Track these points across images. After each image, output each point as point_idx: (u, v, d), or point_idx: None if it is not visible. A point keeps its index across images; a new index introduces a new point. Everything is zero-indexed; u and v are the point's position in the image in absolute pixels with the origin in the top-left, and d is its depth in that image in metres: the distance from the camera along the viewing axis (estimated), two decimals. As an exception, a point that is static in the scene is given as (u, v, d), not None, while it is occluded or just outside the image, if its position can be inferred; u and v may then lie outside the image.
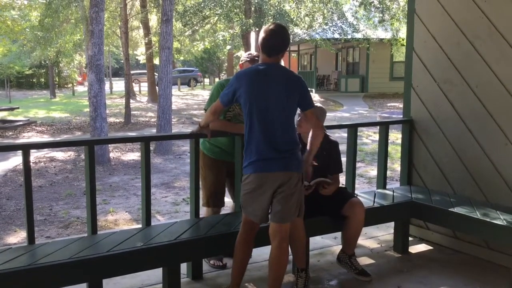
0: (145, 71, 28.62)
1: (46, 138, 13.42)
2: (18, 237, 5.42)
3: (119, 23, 22.00)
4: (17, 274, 2.64)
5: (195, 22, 23.21)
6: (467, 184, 4.06)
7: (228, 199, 4.05)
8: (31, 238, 3.12)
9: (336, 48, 25.37)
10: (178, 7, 21.73)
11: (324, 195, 3.48)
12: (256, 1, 21.15)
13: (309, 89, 3.05)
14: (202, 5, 22.04)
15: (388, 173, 6.90)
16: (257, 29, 21.89)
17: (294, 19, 22.18)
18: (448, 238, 4.24)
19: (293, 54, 32.50)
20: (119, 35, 23.22)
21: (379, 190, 4.35)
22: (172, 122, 11.86)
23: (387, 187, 4.51)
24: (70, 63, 32.72)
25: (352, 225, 3.52)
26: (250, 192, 2.99)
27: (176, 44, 24.54)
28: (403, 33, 19.97)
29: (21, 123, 16.00)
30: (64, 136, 13.86)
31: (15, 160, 9.38)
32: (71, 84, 36.52)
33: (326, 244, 4.29)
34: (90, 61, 9.48)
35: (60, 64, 35.13)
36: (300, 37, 24.07)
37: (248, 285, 3.48)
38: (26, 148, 3.08)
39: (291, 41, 24.87)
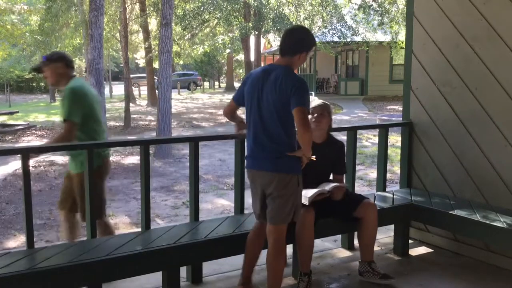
0: (145, 74, 28.67)
1: (46, 143, 13.39)
2: (17, 241, 5.41)
3: (118, 27, 22.05)
4: (17, 278, 2.63)
5: (194, 26, 23.28)
6: (467, 186, 4.05)
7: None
8: (30, 242, 3.11)
9: (336, 51, 25.41)
10: (178, 11, 21.79)
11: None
12: (255, 4, 21.19)
13: (307, 91, 2.96)
14: (201, 9, 22.10)
15: (388, 175, 6.89)
16: (256, 32, 21.95)
17: (294, 23, 22.24)
18: (448, 240, 4.23)
19: (292, 57, 32.50)
20: (119, 39, 23.25)
21: (379, 193, 4.34)
22: (172, 126, 11.87)
23: (387, 189, 4.51)
24: (69, 67, 32.69)
25: (367, 227, 3.51)
26: (250, 187, 3.15)
27: (175, 48, 24.59)
28: (402, 36, 20.01)
29: (21, 127, 15.98)
30: (63, 140, 13.82)
31: (15, 164, 9.37)
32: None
33: (326, 247, 4.29)
34: (89, 65, 9.49)
35: (60, 68, 35.11)
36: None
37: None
38: (25, 152, 3.08)
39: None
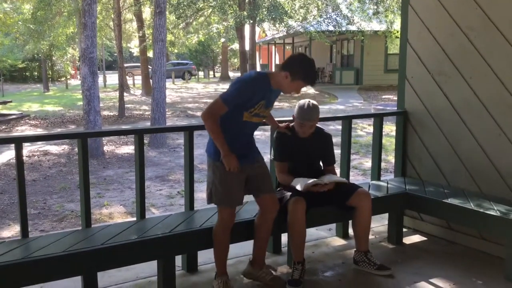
0: (139, 64, 28.50)
1: (39, 132, 13.34)
2: (12, 231, 5.40)
3: (112, 16, 21.86)
4: (11, 267, 2.63)
5: (188, 15, 23.13)
6: (461, 175, 4.07)
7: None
8: (24, 231, 3.11)
9: (331, 41, 25.33)
10: (172, 0, 21.60)
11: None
12: (250, -7, 21.05)
13: (237, 85, 2.98)
14: (195, -3, 21.93)
15: (383, 165, 6.91)
16: (251, 21, 21.82)
17: (289, 11, 22.13)
18: (442, 229, 4.26)
19: (287, 47, 32.42)
20: (112, 27, 23.08)
21: (374, 182, 4.36)
22: (167, 115, 11.83)
23: (381, 178, 4.52)
24: (63, 56, 32.51)
25: (362, 217, 3.51)
26: None
27: (170, 37, 24.44)
28: (397, 25, 19.97)
29: (14, 116, 15.91)
30: (57, 129, 13.79)
31: (9, 154, 9.33)
32: (64, 78, 36.30)
33: (321, 236, 4.31)
34: (83, 54, 9.42)
35: (53, 58, 34.90)
36: (294, 30, 24.01)
37: (238, 277, 3.48)
38: (18, 141, 3.06)
39: (285, 33, 24.79)
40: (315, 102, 3.48)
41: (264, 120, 3.31)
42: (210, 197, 3.15)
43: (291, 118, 3.57)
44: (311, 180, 3.34)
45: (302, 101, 3.46)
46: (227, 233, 3.17)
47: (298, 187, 3.30)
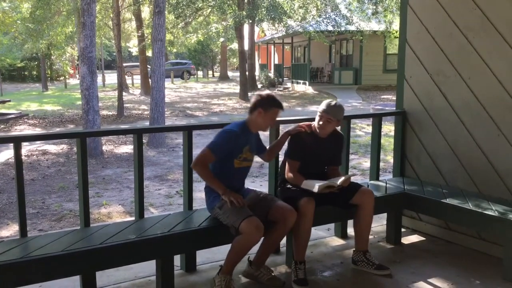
0: (138, 63, 28.48)
1: (38, 131, 13.33)
2: (10, 230, 5.39)
3: (111, 15, 21.83)
4: (10, 267, 2.62)
5: (188, 14, 23.10)
6: (460, 175, 4.08)
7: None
8: (23, 231, 3.11)
9: (330, 41, 25.32)
10: (171, -1, 21.58)
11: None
12: (249, -8, 21.05)
13: (221, 136, 3.25)
14: (194, -3, 21.91)
15: (381, 165, 6.92)
16: (250, 21, 21.82)
17: (288, 11, 22.12)
18: (440, 229, 4.27)
19: (286, 47, 32.40)
20: (111, 27, 23.05)
21: (372, 182, 4.36)
22: (166, 115, 11.84)
23: (380, 178, 4.52)
24: (62, 56, 32.45)
25: (364, 214, 3.53)
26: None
27: (169, 36, 24.43)
28: (396, 26, 19.96)
29: (13, 116, 15.89)
30: (56, 129, 13.78)
31: (7, 153, 9.32)
32: (63, 77, 36.26)
33: (320, 236, 4.31)
34: (82, 54, 9.42)
35: (52, 57, 34.85)
36: (293, 29, 24.00)
37: (236, 277, 3.48)
38: (17, 141, 3.06)
39: (284, 33, 24.75)
40: (343, 105, 3.65)
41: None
42: (232, 230, 3.09)
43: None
44: (323, 182, 3.35)
45: (330, 100, 3.68)
46: (250, 247, 3.13)
47: (314, 189, 3.31)
